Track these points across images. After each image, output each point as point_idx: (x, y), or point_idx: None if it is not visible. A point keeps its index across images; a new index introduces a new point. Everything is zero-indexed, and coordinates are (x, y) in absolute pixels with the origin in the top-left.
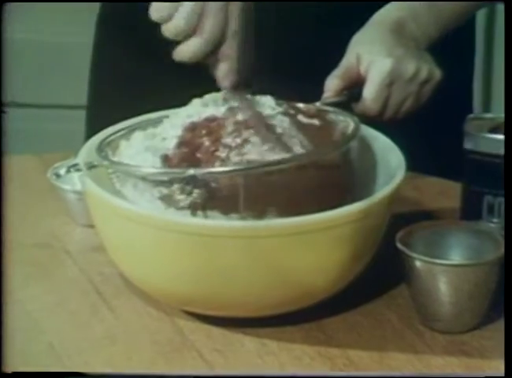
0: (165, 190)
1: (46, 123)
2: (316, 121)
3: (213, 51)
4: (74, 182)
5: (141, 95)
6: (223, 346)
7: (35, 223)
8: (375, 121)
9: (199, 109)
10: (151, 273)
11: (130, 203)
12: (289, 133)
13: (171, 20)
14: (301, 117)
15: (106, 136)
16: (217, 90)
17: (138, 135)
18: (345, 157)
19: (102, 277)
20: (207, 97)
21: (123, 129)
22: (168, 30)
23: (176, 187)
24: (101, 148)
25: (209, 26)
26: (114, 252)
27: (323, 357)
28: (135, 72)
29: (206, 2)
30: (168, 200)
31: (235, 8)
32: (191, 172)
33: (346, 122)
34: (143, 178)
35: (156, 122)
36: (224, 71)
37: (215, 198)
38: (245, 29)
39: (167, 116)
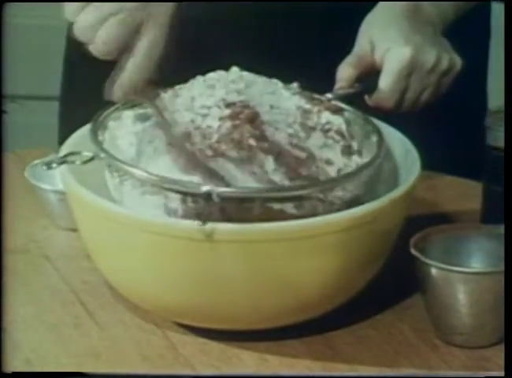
0: (166, 200)
1: (18, 116)
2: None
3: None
4: (54, 181)
5: None
6: (219, 361)
7: (11, 226)
8: (388, 113)
9: (203, 90)
10: (140, 282)
11: (118, 205)
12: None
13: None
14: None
15: (98, 119)
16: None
17: (128, 116)
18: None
19: (86, 286)
20: (211, 75)
21: (111, 110)
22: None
23: (180, 197)
24: (96, 135)
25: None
26: (99, 258)
27: (329, 374)
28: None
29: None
30: (170, 210)
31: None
32: (207, 188)
33: (365, 127)
34: (144, 182)
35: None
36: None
37: (227, 219)
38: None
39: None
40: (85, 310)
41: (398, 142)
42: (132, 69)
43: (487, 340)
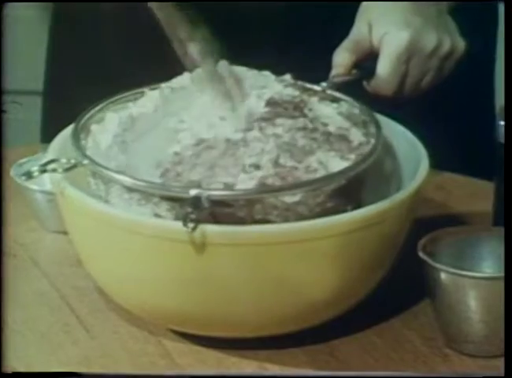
0: (154, 207)
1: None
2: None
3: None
4: (42, 181)
5: (103, 79)
6: (217, 371)
7: None
8: (388, 102)
9: (188, 84)
10: (134, 287)
11: (111, 206)
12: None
13: None
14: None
15: (80, 122)
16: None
17: (111, 118)
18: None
19: (76, 292)
20: (199, 71)
21: (95, 111)
22: None
23: (168, 203)
24: (78, 138)
25: None
26: (90, 262)
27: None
28: (96, 55)
29: None
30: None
31: None
32: (194, 192)
33: (362, 118)
34: (131, 189)
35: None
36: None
37: (219, 223)
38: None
39: (142, 93)
40: (75, 317)
41: (404, 138)
42: None
43: (500, 349)
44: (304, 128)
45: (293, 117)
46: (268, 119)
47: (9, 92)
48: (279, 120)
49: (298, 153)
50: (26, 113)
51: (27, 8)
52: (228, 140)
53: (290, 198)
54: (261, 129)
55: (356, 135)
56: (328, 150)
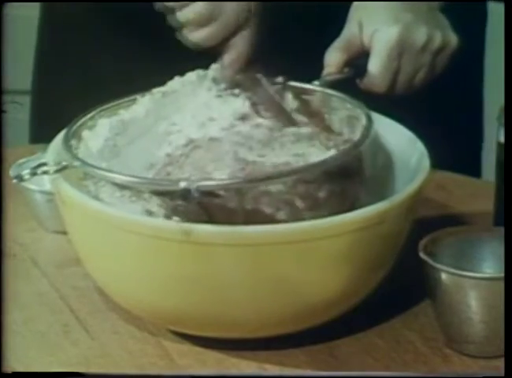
0: (145, 204)
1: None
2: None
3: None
4: (42, 181)
5: (91, 81)
6: (217, 371)
7: None
8: (383, 99)
9: (179, 89)
10: (134, 287)
11: (110, 206)
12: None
13: (187, 6)
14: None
15: (71, 129)
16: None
17: (103, 124)
18: (355, 160)
19: (76, 292)
20: (190, 74)
21: (87, 118)
22: (185, 16)
23: (159, 198)
24: (68, 143)
25: (230, 10)
26: (90, 263)
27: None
28: (84, 57)
29: None
30: (151, 214)
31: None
32: (183, 184)
33: (354, 112)
34: (123, 187)
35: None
36: (229, 60)
37: (210, 216)
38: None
39: (134, 100)
40: (75, 318)
41: (403, 137)
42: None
43: (501, 349)
44: (278, 123)
45: (266, 116)
46: (245, 117)
47: (9, 92)
48: (255, 118)
49: (260, 147)
50: (26, 113)
51: (27, 8)
52: (211, 139)
53: (279, 187)
54: (238, 126)
55: (346, 128)
56: (308, 141)
